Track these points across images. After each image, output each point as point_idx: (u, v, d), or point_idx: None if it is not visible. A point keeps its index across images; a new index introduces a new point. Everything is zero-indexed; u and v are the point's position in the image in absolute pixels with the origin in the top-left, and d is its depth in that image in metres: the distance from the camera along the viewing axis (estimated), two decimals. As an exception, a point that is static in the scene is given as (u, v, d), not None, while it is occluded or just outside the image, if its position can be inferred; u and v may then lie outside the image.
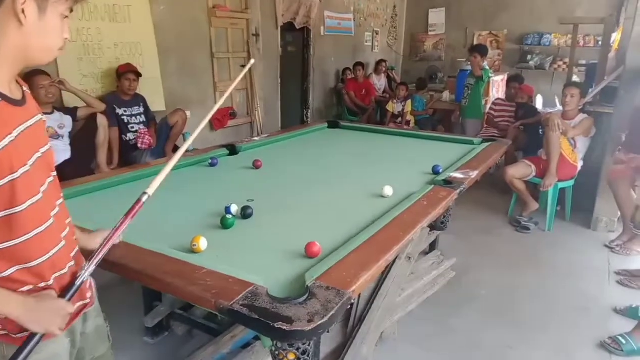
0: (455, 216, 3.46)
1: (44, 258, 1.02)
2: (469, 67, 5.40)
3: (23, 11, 0.90)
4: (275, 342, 1.23)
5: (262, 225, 1.81)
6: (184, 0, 4.36)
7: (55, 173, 1.10)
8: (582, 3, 7.23)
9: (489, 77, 5.37)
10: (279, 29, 5.71)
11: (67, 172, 2.92)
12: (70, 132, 3.34)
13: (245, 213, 1.85)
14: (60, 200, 1.11)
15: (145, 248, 1.46)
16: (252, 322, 1.15)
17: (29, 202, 0.97)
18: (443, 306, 2.71)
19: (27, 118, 0.99)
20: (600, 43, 5.60)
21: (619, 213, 3.70)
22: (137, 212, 1.16)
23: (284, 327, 1.11)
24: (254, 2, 5.13)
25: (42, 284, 1.04)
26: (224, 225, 1.75)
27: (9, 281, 0.98)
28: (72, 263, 1.13)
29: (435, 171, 2.52)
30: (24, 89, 1.04)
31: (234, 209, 1.86)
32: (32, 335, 0.98)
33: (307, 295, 1.24)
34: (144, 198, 1.16)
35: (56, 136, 3.21)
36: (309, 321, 1.13)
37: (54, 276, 1.06)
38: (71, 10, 1.00)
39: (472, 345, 2.39)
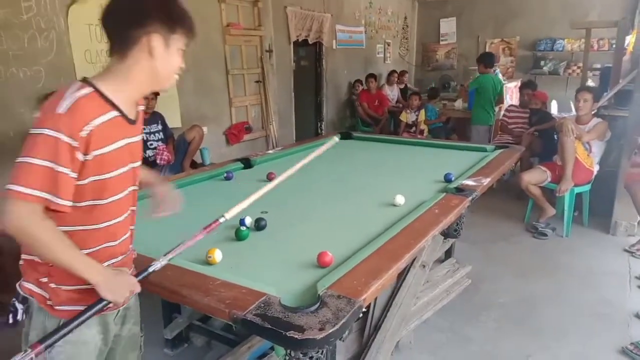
0: (470, 223, 3.46)
1: (113, 243, 1.23)
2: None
3: (154, 46, 1.12)
4: (288, 351, 1.26)
5: (276, 237, 1.85)
6: (198, 19, 4.46)
7: (137, 185, 1.30)
8: (595, 6, 7.18)
9: (487, 83, 5.28)
10: (292, 44, 5.81)
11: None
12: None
13: (259, 225, 1.90)
14: (133, 208, 1.30)
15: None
16: (265, 332, 1.18)
17: (111, 199, 1.17)
18: (459, 314, 2.70)
19: (133, 134, 1.21)
20: (614, 46, 5.55)
21: (639, 217, 3.64)
22: (212, 229, 1.35)
23: (296, 336, 1.13)
24: (266, 19, 5.25)
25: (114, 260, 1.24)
26: (238, 237, 1.80)
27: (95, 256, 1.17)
28: (126, 255, 1.31)
29: (447, 179, 2.54)
30: (139, 109, 1.25)
31: (248, 221, 1.90)
32: (90, 306, 1.12)
33: (318, 304, 1.27)
34: (222, 220, 1.37)
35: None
36: (320, 329, 1.15)
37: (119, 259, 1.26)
38: (186, 45, 1.22)
39: (489, 354, 2.37)
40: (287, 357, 1.28)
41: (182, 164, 4.05)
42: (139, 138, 1.25)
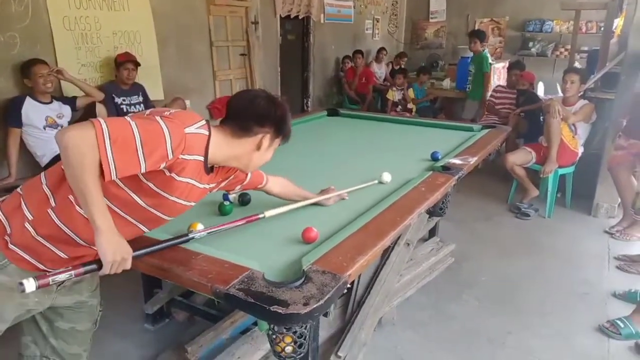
0: (454, 203, 3.47)
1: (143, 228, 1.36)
2: (470, 54, 5.65)
3: (263, 143, 1.38)
4: (271, 326, 1.24)
5: (260, 212, 1.81)
6: (182, -13, 4.34)
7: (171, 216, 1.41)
8: (585, -12, 7.14)
9: (489, 62, 5.56)
10: (278, 17, 5.66)
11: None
12: (69, 122, 3.33)
13: (244, 200, 1.86)
14: (170, 218, 1.40)
15: (145, 235, 1.46)
16: (248, 306, 1.17)
17: (162, 215, 1.34)
18: (442, 292, 2.72)
19: (204, 182, 1.37)
20: (602, 29, 5.55)
21: (619, 199, 3.70)
22: (251, 221, 1.60)
23: (280, 311, 1.12)
24: (253, -11, 5.09)
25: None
26: (222, 211, 1.76)
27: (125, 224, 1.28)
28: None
29: (434, 157, 2.52)
30: (217, 166, 1.41)
31: (232, 195, 1.86)
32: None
33: (303, 279, 1.25)
34: (261, 216, 1.63)
35: (55, 125, 3.21)
36: (305, 304, 1.14)
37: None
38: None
39: (470, 331, 2.41)
40: (271, 332, 1.27)
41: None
42: (203, 186, 1.38)
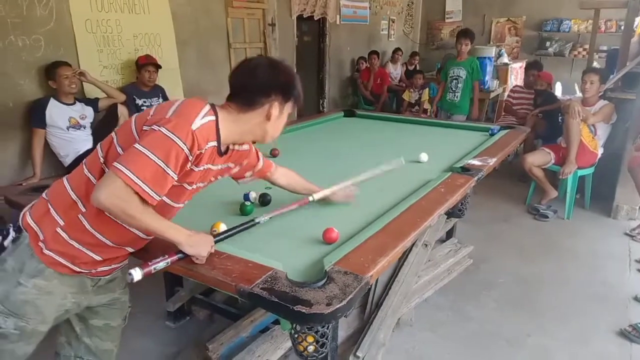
0: (472, 204, 3.45)
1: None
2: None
3: (272, 112, 1.32)
4: (294, 325, 1.26)
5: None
6: (200, -10, 4.39)
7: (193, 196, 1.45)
8: (605, -13, 7.03)
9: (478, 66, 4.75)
10: (295, 18, 5.69)
11: (89, 162, 3.00)
12: (91, 123, 3.41)
13: (264, 200, 1.88)
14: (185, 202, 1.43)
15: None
16: (272, 305, 1.18)
17: (176, 204, 1.38)
18: (460, 294, 2.71)
19: (218, 163, 1.38)
20: (622, 28, 5.46)
21: (640, 201, 3.64)
22: (303, 204, 1.76)
23: (303, 310, 1.13)
24: (269, -9, 5.13)
25: None
26: (243, 211, 1.79)
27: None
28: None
29: (492, 133, 3.00)
30: (232, 147, 1.42)
31: (253, 196, 1.89)
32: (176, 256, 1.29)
33: (325, 279, 1.26)
34: (310, 199, 1.78)
35: (78, 126, 3.28)
36: (328, 304, 1.15)
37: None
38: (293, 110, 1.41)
39: (489, 333, 2.40)
40: (293, 332, 1.28)
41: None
42: (217, 167, 1.40)
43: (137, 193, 1.13)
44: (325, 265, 1.34)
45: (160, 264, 1.25)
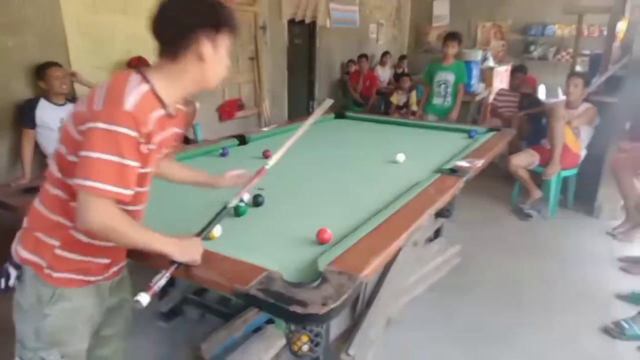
0: (458, 204, 3.52)
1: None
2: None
3: (203, 51, 1.16)
4: (288, 325, 1.29)
5: (273, 213, 1.87)
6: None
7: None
8: (588, -8, 7.19)
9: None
10: (286, 21, 5.73)
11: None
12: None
13: (257, 201, 1.91)
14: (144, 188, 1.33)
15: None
16: (268, 306, 1.20)
17: (146, 188, 1.30)
18: (448, 292, 2.77)
19: (171, 126, 1.27)
20: (604, 33, 5.60)
21: (622, 201, 3.74)
22: (261, 175, 1.65)
23: (299, 311, 1.15)
24: (261, -6, 5.16)
25: None
26: (237, 212, 1.81)
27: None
28: None
29: (471, 136, 3.09)
30: (178, 106, 1.30)
31: (246, 197, 1.91)
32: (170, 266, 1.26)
33: (320, 279, 1.28)
34: (267, 167, 1.64)
35: (68, 128, 3.26)
36: (323, 305, 1.17)
37: None
38: (232, 42, 1.25)
39: (476, 330, 2.45)
40: (288, 331, 1.31)
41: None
42: (172, 131, 1.29)
43: (115, 198, 1.08)
44: (319, 266, 1.37)
45: (162, 281, 1.24)
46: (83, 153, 1.06)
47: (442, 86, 4.60)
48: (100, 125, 1.05)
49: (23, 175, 3.12)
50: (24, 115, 3.13)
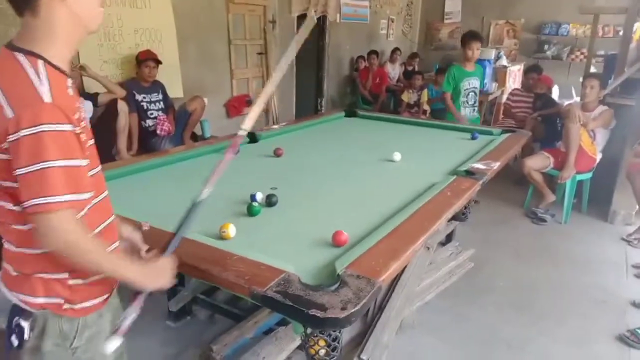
0: (471, 207, 3.47)
1: (109, 220, 1.16)
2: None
3: None
4: (306, 329, 1.25)
5: (287, 213, 1.83)
6: (203, -15, 4.35)
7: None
8: (603, -8, 7.09)
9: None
10: (295, 16, 5.67)
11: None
12: (90, 118, 3.36)
13: (270, 201, 1.86)
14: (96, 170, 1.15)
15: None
16: (286, 309, 1.17)
17: (96, 170, 1.10)
18: (461, 296, 2.72)
19: (77, 97, 1.07)
20: (620, 33, 5.50)
21: (637, 206, 3.68)
22: (237, 145, 1.34)
23: (318, 314, 1.12)
24: (270, -12, 5.10)
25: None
26: (250, 212, 1.77)
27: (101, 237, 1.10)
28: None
29: (473, 137, 3.01)
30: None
31: (259, 196, 1.88)
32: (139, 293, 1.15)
33: (338, 283, 1.25)
34: (240, 132, 1.35)
35: (77, 121, 3.24)
36: (342, 309, 1.14)
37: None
38: None
39: (489, 336, 2.41)
40: (305, 335, 1.28)
41: (182, 136, 3.98)
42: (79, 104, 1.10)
43: (74, 208, 0.95)
44: (337, 269, 1.33)
45: (131, 317, 1.15)
46: (19, 172, 0.90)
47: (471, 94, 4.05)
48: (24, 132, 0.89)
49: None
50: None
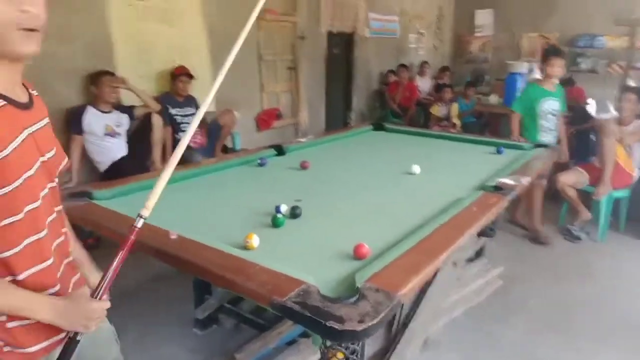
0: (502, 223, 3.40)
1: (35, 269, 0.99)
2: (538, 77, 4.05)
3: None
4: (324, 341, 1.26)
5: (311, 225, 1.84)
6: (234, 4, 4.47)
7: (57, 180, 1.07)
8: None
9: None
10: (325, 32, 5.76)
11: (123, 168, 3.09)
12: (127, 130, 3.50)
13: (294, 213, 1.89)
14: (59, 207, 1.08)
15: (204, 243, 1.52)
16: (304, 320, 1.18)
17: (27, 209, 0.94)
18: (489, 315, 2.66)
19: (34, 121, 0.99)
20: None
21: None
22: (132, 243, 1.06)
23: (336, 326, 1.12)
24: (301, 5, 5.20)
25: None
26: (275, 224, 1.80)
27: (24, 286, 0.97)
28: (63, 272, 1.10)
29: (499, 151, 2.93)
30: (31, 91, 1.04)
31: (284, 208, 1.90)
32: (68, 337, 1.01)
33: (357, 296, 1.26)
34: (139, 224, 1.06)
35: (113, 134, 3.38)
36: (360, 322, 1.14)
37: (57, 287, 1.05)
38: None
39: (519, 357, 2.33)
40: (323, 347, 1.28)
41: (214, 148, 4.08)
42: (44, 122, 1.03)
43: None
44: (356, 282, 1.34)
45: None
46: None
47: (550, 117, 3.65)
48: None
49: (70, 179, 3.25)
50: (72, 122, 3.26)
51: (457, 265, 2.74)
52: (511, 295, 2.88)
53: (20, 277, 0.96)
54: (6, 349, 0.98)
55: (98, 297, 1.01)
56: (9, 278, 0.95)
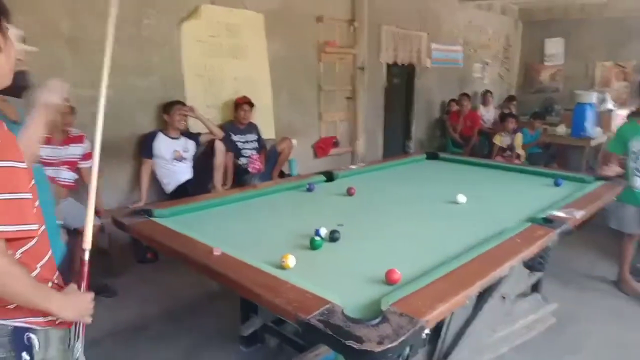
0: (562, 259, 3.23)
1: (49, 255, 1.19)
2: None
3: None
4: (348, 362, 1.30)
5: (347, 249, 1.90)
6: (297, 37, 4.74)
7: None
8: None
9: None
10: (385, 62, 5.87)
11: (189, 190, 3.35)
12: (193, 155, 3.78)
13: (333, 237, 1.96)
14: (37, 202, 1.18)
15: (243, 260, 1.63)
16: (325, 337, 1.23)
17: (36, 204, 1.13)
18: (541, 353, 2.52)
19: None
20: None
21: None
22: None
23: (354, 346, 1.16)
24: (361, 37, 5.36)
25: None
26: (312, 246, 1.88)
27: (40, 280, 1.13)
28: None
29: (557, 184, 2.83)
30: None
31: (323, 232, 1.97)
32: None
33: (380, 318, 1.29)
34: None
35: (180, 158, 3.66)
36: (379, 343, 1.17)
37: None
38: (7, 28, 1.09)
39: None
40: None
41: (272, 173, 4.27)
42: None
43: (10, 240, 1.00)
44: (382, 305, 1.37)
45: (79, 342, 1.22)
46: None
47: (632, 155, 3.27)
48: None
49: (140, 198, 3.55)
50: (144, 147, 3.58)
51: (506, 299, 2.63)
52: (565, 334, 2.71)
53: (34, 273, 1.11)
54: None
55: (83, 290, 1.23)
56: (41, 263, 1.14)
